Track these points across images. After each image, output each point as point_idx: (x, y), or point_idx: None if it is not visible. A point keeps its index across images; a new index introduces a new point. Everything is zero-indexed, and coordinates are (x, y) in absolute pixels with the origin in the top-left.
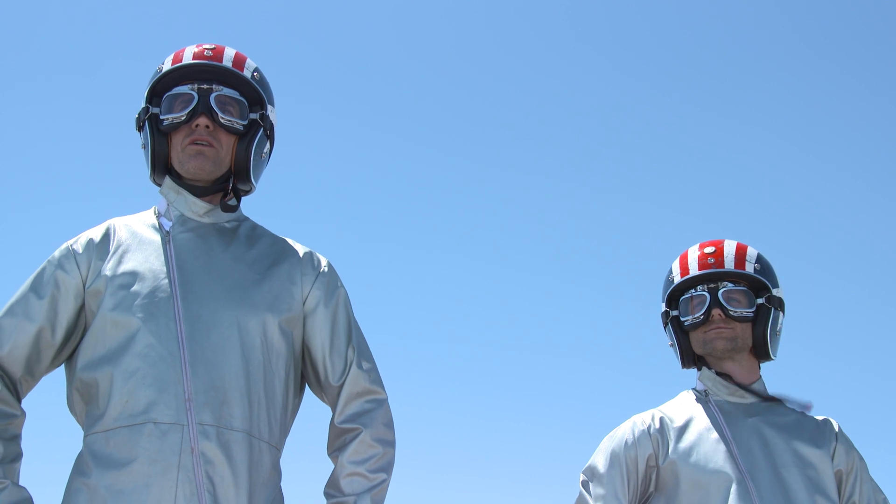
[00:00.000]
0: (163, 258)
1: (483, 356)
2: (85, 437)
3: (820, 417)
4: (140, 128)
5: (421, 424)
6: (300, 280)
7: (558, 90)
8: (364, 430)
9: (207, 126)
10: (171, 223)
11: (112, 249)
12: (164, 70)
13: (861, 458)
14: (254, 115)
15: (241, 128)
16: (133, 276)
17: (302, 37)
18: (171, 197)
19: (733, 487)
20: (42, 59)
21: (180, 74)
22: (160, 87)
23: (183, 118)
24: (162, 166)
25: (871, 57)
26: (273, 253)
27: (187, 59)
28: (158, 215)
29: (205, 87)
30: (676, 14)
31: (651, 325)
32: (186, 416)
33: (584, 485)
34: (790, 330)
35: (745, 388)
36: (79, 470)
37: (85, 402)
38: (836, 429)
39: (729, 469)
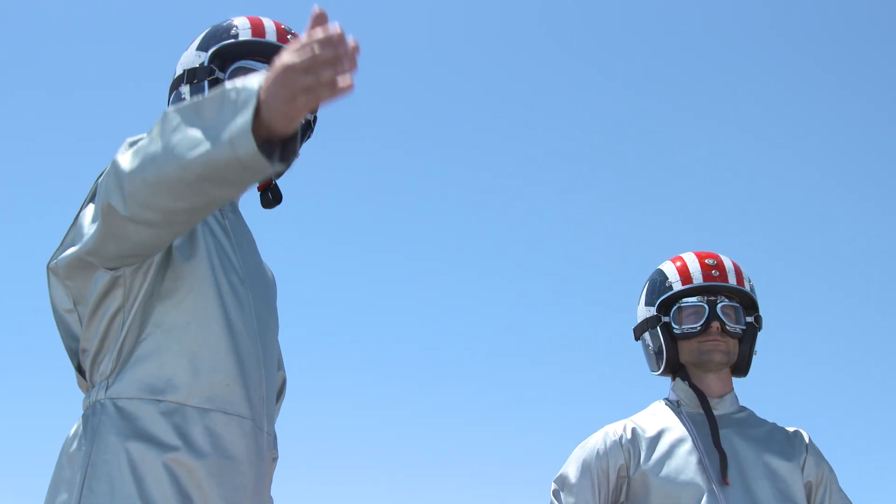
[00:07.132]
0: (223, 234)
1: (469, 360)
2: (156, 401)
3: (791, 429)
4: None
5: (407, 427)
6: None
7: (548, 98)
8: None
9: None
10: None
11: None
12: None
13: (831, 470)
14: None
15: None
16: (208, 244)
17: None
18: None
19: (704, 499)
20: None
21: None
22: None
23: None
24: None
25: (864, 61)
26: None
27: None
28: None
29: None
30: (669, 20)
31: (626, 332)
32: (264, 421)
33: (555, 494)
34: (770, 337)
35: (717, 398)
36: (152, 438)
37: (153, 355)
38: (807, 440)
39: (700, 480)
